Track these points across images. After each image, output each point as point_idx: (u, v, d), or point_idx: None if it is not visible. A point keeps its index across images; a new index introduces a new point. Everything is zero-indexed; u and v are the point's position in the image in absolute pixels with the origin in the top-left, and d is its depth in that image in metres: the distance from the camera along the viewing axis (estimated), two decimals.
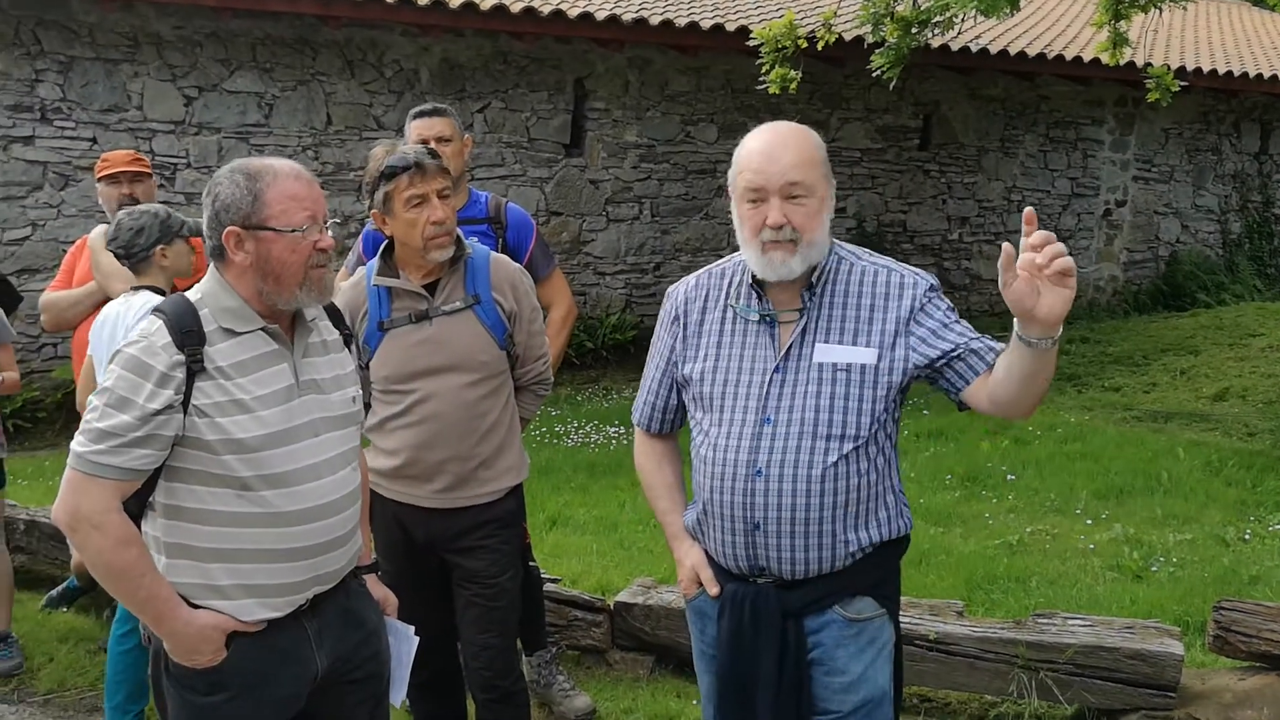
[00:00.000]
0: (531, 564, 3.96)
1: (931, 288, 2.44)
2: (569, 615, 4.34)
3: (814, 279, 2.41)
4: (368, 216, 3.19)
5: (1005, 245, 2.08)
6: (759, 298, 2.44)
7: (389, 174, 3.01)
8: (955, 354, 2.37)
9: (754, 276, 2.43)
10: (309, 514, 2.31)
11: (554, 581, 4.44)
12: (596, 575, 5.09)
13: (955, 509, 6.27)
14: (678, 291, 2.61)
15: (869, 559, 2.45)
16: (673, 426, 2.69)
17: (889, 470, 2.47)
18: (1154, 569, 5.27)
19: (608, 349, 10.67)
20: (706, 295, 2.54)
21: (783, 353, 2.40)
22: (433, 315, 3.08)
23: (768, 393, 2.39)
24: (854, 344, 2.38)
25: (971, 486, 6.74)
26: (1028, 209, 2.11)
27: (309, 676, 2.39)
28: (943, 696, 4.05)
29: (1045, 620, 3.94)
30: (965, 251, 13.09)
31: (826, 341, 2.38)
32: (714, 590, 2.52)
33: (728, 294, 2.50)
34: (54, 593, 4.94)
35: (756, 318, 2.44)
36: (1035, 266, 2.09)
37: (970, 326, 2.44)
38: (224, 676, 2.29)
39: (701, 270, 2.61)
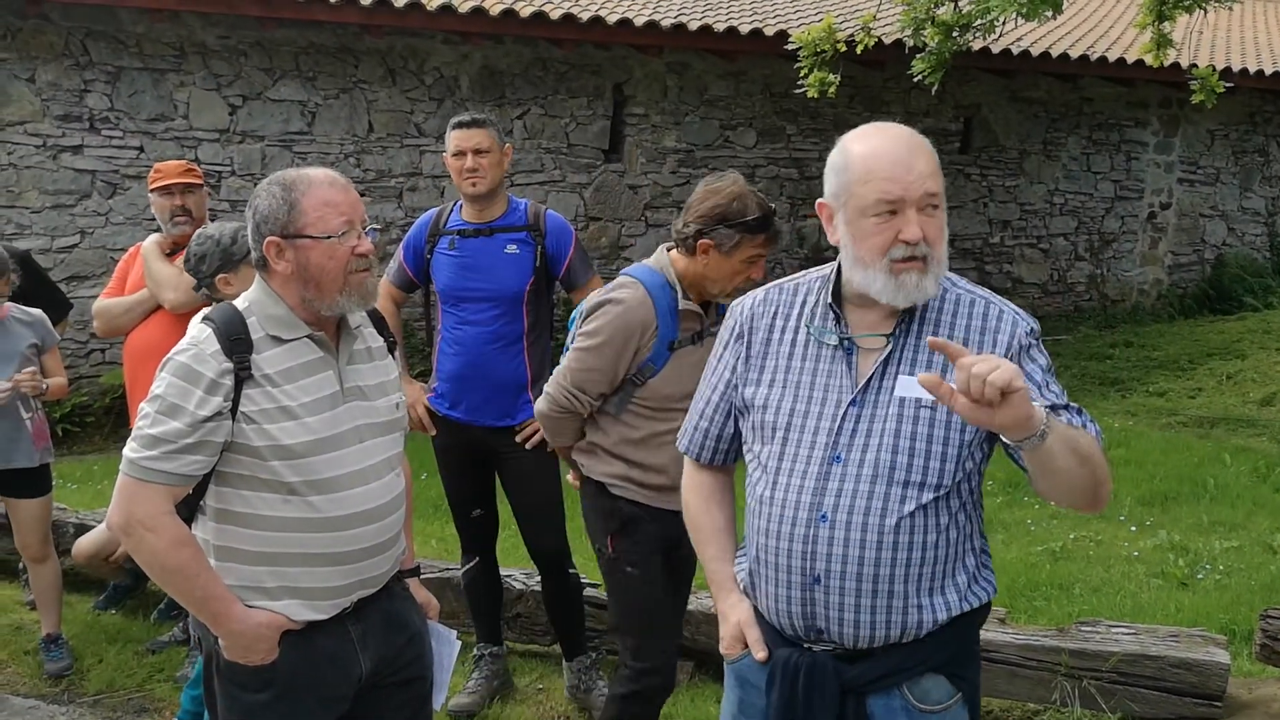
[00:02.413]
0: (571, 570, 3.99)
1: (1033, 331, 2.14)
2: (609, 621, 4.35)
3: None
4: (409, 223, 3.22)
5: (926, 378, 1.86)
6: (838, 320, 2.15)
7: (755, 227, 3.02)
8: None
9: (833, 296, 2.16)
10: (354, 519, 2.34)
11: (594, 587, 4.46)
12: None
13: (997, 515, 6.23)
14: (743, 306, 2.30)
15: (944, 631, 2.12)
16: (727, 458, 2.36)
17: (971, 528, 2.16)
18: (1200, 576, 5.21)
19: None
20: (776, 312, 2.24)
21: (861, 384, 2.10)
22: (704, 335, 3.16)
23: (840, 428, 2.09)
24: (941, 379, 2.02)
25: (1014, 492, 6.69)
26: (932, 338, 1.89)
27: (353, 678, 2.42)
28: (985, 704, 4.02)
29: (1089, 628, 3.91)
30: (1007, 255, 12.99)
31: (911, 374, 2.07)
32: (761, 655, 2.20)
33: (801, 313, 2.21)
34: (101, 597, 5.03)
35: (835, 342, 2.14)
36: (971, 399, 1.83)
37: (1063, 391, 2.12)
38: (273, 676, 2.33)
39: (770, 284, 2.32)
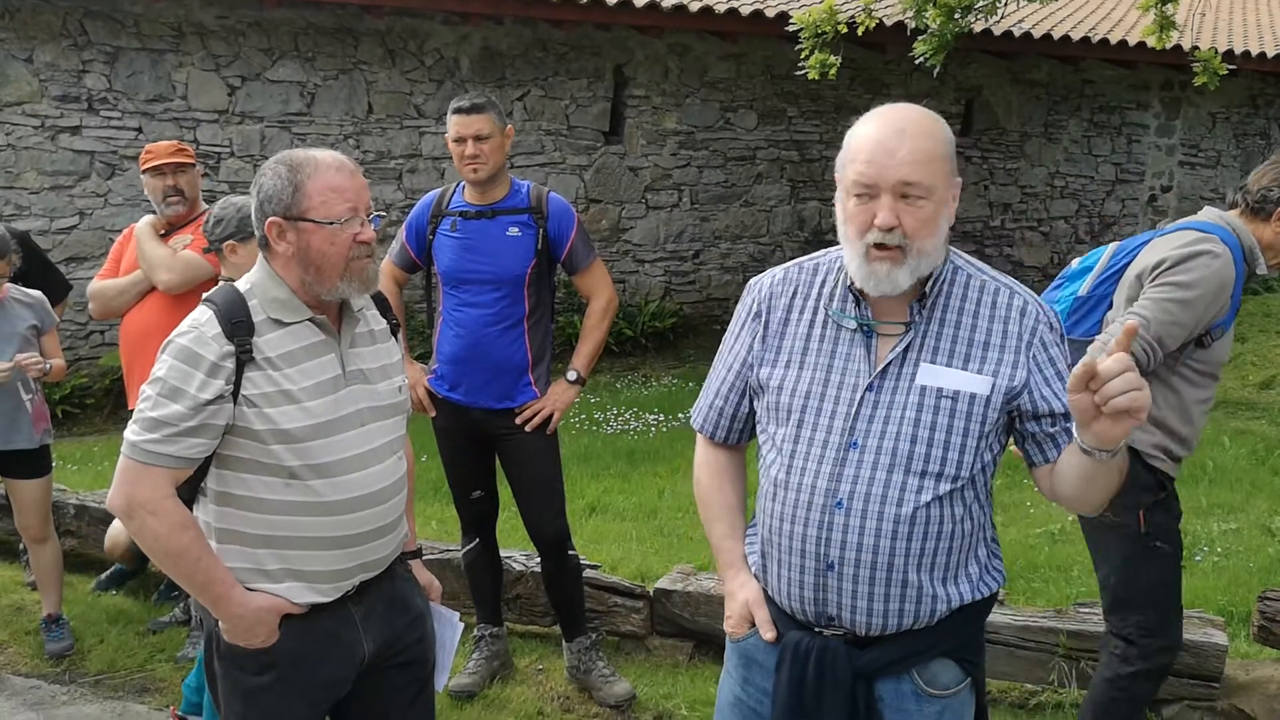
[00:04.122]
0: (571, 551, 3.99)
1: (1051, 326, 2.11)
2: (609, 602, 4.37)
3: (927, 289, 2.08)
4: (410, 205, 3.20)
5: (1087, 359, 1.80)
6: (858, 303, 2.11)
7: None
8: (1054, 423, 2.07)
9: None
10: (356, 503, 2.34)
11: (593, 568, 4.47)
12: (636, 562, 5.11)
13: (997, 497, 6.17)
14: (761, 284, 2.26)
15: (953, 617, 2.12)
16: (741, 437, 2.33)
17: (984, 518, 2.15)
18: (1198, 559, 5.22)
19: (647, 336, 10.69)
20: (795, 292, 2.20)
21: (879, 369, 2.08)
22: None
23: (857, 413, 2.07)
24: (964, 369, 2.06)
25: (1013, 474, 6.68)
26: (1131, 322, 1.83)
27: (355, 660, 2.43)
28: None
29: (1087, 609, 3.92)
30: (1007, 239, 12.98)
31: (933, 362, 2.06)
32: (769, 635, 2.18)
33: (820, 293, 2.17)
34: (102, 577, 5.04)
35: (854, 325, 2.11)
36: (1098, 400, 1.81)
37: None
38: (274, 658, 2.33)
39: (790, 263, 2.27)
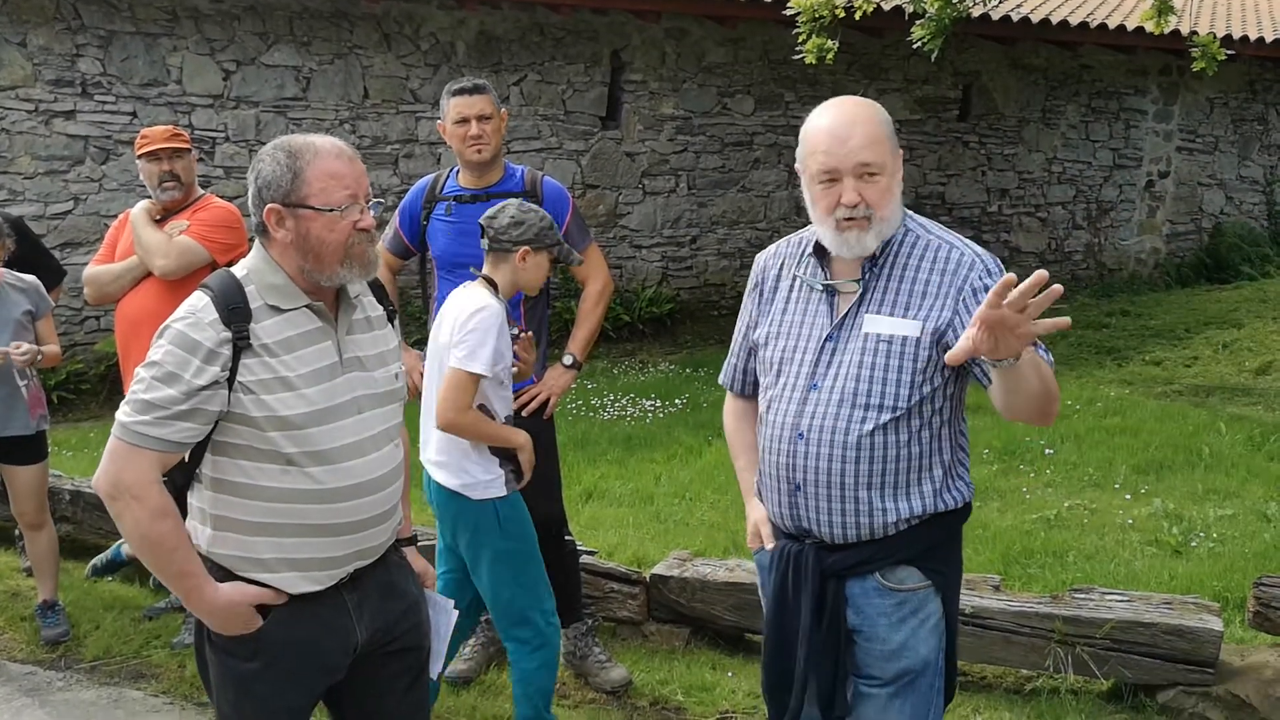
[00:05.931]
0: (568, 537, 3.99)
1: (988, 272, 2.41)
2: (605, 587, 4.37)
3: (877, 251, 2.43)
4: (405, 190, 3.19)
5: (1009, 278, 2.04)
6: (821, 267, 2.51)
7: None
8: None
9: (816, 246, 2.51)
10: (352, 491, 2.33)
11: (590, 554, 4.47)
12: (632, 548, 5.11)
13: (992, 483, 6.24)
14: (761, 258, 2.70)
15: (914, 530, 2.47)
16: (755, 389, 2.72)
17: (937, 444, 2.47)
18: (1194, 544, 5.23)
19: (644, 322, 10.67)
20: (783, 263, 2.62)
21: (837, 321, 2.46)
22: None
23: (818, 360, 2.46)
24: (903, 316, 2.40)
25: (1009, 460, 6.70)
26: (1040, 272, 2.03)
27: (349, 647, 2.43)
28: (978, 670, 4.05)
29: (1082, 595, 3.93)
30: (1005, 224, 12.96)
31: (878, 313, 2.42)
32: (770, 545, 2.61)
33: (799, 262, 2.58)
34: (99, 560, 5.02)
35: (820, 287, 2.51)
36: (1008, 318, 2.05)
37: None
38: (264, 644, 2.33)
39: (784, 238, 2.69)
